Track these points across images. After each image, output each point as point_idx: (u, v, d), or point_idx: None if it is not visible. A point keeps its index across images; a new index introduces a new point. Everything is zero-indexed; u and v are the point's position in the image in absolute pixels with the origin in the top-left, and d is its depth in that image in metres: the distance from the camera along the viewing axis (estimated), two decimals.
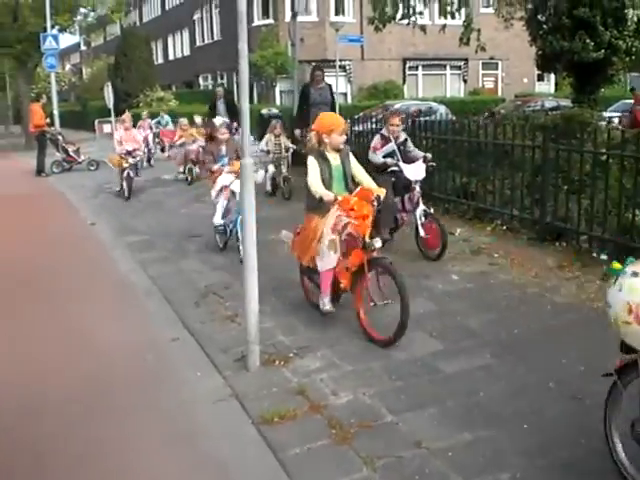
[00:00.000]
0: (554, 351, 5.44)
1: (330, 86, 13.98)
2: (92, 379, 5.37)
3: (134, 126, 17.09)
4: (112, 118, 25.31)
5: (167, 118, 24.31)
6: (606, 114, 20.01)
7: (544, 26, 15.68)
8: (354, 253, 5.89)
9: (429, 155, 8.65)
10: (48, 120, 21.54)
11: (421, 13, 18.03)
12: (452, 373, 5.10)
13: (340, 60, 31.12)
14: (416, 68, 41.06)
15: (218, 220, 9.13)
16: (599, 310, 6.36)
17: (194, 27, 48.69)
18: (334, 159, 6.14)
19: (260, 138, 14.98)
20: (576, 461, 3.90)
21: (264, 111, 21.71)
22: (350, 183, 6.18)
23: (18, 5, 30.23)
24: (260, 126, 18.42)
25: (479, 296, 6.87)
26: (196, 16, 47.99)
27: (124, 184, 14.29)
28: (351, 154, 6.31)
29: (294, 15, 18.25)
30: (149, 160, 20.68)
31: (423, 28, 17.99)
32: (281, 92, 37.30)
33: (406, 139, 8.86)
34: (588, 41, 14.41)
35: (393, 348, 5.58)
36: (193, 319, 6.63)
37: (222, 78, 42.54)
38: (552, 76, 39.68)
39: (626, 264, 3.61)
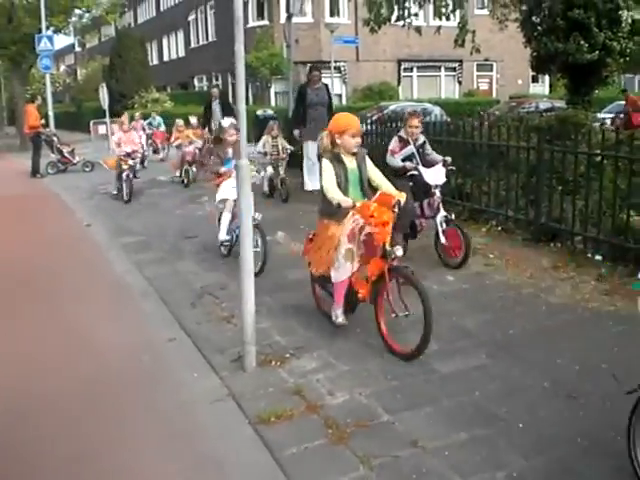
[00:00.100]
0: (549, 351, 5.47)
1: (327, 86, 13.94)
2: (89, 379, 5.38)
3: None
4: (107, 119, 25.35)
5: (159, 119, 24.32)
6: (600, 115, 20.09)
7: (538, 27, 15.74)
8: (373, 262, 5.60)
9: (449, 158, 8.16)
10: (43, 121, 21.53)
11: (416, 15, 18.09)
12: (448, 373, 5.12)
13: (335, 61, 31.24)
14: (411, 69, 41.17)
15: (223, 236, 8.74)
16: (593, 310, 6.43)
17: (189, 28, 48.72)
18: (350, 162, 5.79)
19: (256, 139, 14.95)
20: (572, 459, 3.93)
21: (259, 112, 21.75)
22: (366, 187, 5.87)
23: (13, 6, 30.23)
24: (255, 127, 18.44)
25: (474, 297, 6.90)
26: (191, 17, 48.01)
27: (124, 186, 14.06)
28: (367, 157, 5.96)
29: (289, 16, 18.27)
30: (142, 162, 20.66)
31: (418, 30, 18.05)
32: (276, 93, 37.37)
33: (425, 141, 8.45)
34: (582, 42, 14.46)
35: (387, 349, 5.59)
36: (189, 320, 6.64)
37: (217, 79, 42.61)
38: (546, 77, 39.88)
39: None
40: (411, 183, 7.98)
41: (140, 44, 39.26)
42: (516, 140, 9.21)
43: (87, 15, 34.16)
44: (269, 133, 13.55)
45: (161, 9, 53.91)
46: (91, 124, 27.58)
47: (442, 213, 7.93)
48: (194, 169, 16.21)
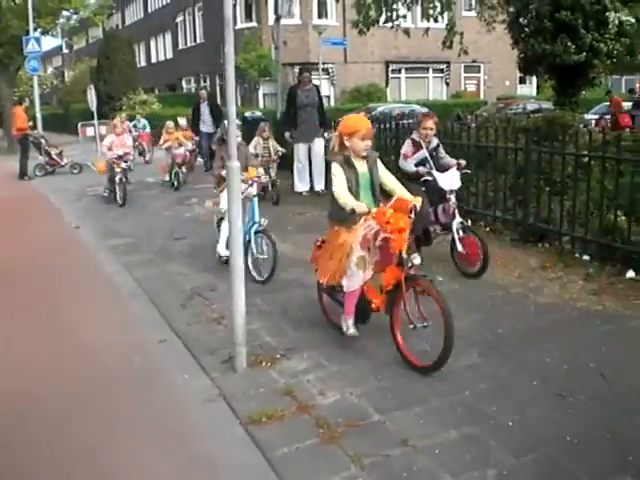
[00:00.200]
0: (538, 350, 5.51)
1: (317, 87, 13.96)
2: (81, 381, 5.38)
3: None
4: (95, 121, 25.26)
5: (144, 121, 24.26)
6: (587, 116, 20.23)
7: (526, 29, 15.85)
8: (389, 270, 5.36)
9: (463, 161, 7.81)
10: (31, 123, 21.45)
11: (404, 17, 18.14)
12: (438, 372, 5.13)
13: (323, 63, 31.29)
14: (399, 71, 41.31)
15: (223, 251, 8.24)
16: (582, 310, 6.47)
17: (177, 30, 48.71)
18: (361, 165, 5.50)
19: (245, 141, 14.89)
20: (561, 458, 3.96)
21: (247, 114, 21.72)
22: (378, 192, 5.60)
23: (0, 8, 30.08)
24: (244, 129, 18.43)
25: (464, 297, 6.92)
26: (179, 19, 47.99)
27: (117, 189, 13.74)
28: (379, 160, 5.68)
29: (277, 18, 18.27)
30: None
31: (407, 32, 18.10)
32: (264, 95, 37.38)
33: (438, 144, 8.06)
34: (569, 44, 14.57)
35: (379, 349, 5.61)
36: (179, 321, 6.64)
37: (205, 81, 42.62)
38: (534, 79, 40.10)
39: None
40: (424, 188, 7.53)
41: (128, 46, 39.11)
42: (504, 141, 9.26)
43: (75, 17, 34.04)
44: (260, 135, 13.40)
45: (149, 10, 53.85)
46: (79, 126, 27.42)
47: (458, 219, 7.57)
48: (184, 170, 16.09)
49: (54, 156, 20.11)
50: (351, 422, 4.44)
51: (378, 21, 17.44)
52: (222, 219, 8.41)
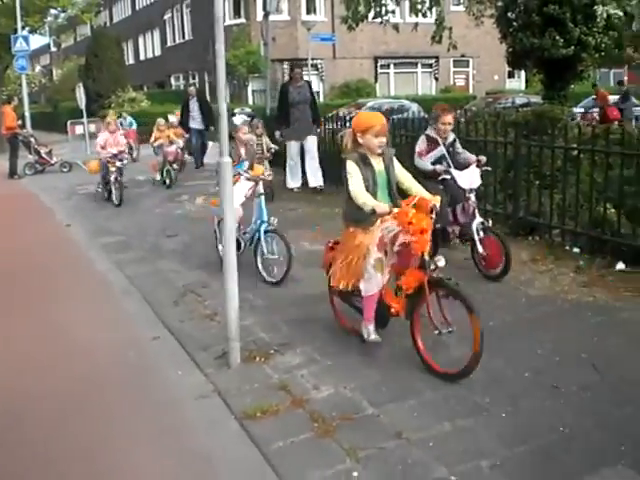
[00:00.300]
0: (530, 342, 5.54)
1: (309, 83, 13.89)
2: (74, 379, 5.39)
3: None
4: (84, 119, 25.20)
5: (130, 119, 24.23)
6: (575, 110, 20.30)
7: (514, 23, 15.89)
8: (410, 273, 5.10)
9: (483, 158, 7.38)
10: (20, 122, 21.38)
11: (393, 12, 18.16)
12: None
13: (312, 59, 31.33)
14: (388, 66, 41.33)
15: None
16: (572, 302, 6.52)
17: (165, 27, 48.60)
18: (377, 163, 5.28)
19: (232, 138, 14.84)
20: (554, 448, 4.00)
21: (237, 110, 21.75)
22: (395, 191, 5.36)
23: None
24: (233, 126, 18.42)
25: None
26: (167, 16, 47.87)
27: (112, 189, 13.42)
28: (394, 158, 5.45)
29: (266, 14, 18.28)
30: None
31: (396, 27, 18.14)
32: (253, 91, 37.34)
33: (455, 139, 7.70)
34: (558, 38, 14.61)
35: (373, 343, 5.62)
36: (172, 318, 6.65)
37: (193, 78, 42.54)
38: (522, 73, 40.14)
39: None
40: (441, 187, 7.23)
41: (116, 43, 39.01)
42: (493, 135, 9.30)
43: (63, 15, 33.92)
44: (253, 132, 13.36)
45: (137, 8, 53.69)
46: (68, 124, 27.36)
47: (478, 220, 7.19)
48: (175, 167, 15.97)
49: (44, 155, 20.05)
50: (345, 416, 4.47)
51: (367, 16, 17.44)
52: (221, 220, 8.13)
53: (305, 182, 13.53)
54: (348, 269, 5.38)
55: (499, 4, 16.74)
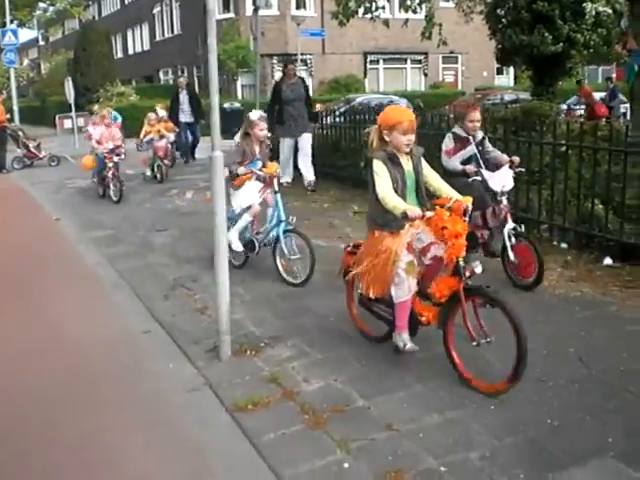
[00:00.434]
0: None
1: (303, 80, 13.75)
2: (65, 373, 5.40)
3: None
4: (73, 113, 25.09)
5: (114, 113, 24.11)
6: (563, 106, 20.39)
7: (503, 20, 16.00)
8: (442, 280, 4.83)
9: (517, 158, 6.92)
10: (8, 116, 21.28)
11: (383, 8, 18.17)
12: (421, 358, 5.17)
13: (301, 54, 31.29)
14: (377, 62, 41.37)
15: (236, 243, 7.59)
16: (560, 296, 6.58)
17: (154, 21, 48.42)
18: (406, 163, 4.97)
19: (222, 132, 14.78)
20: (543, 440, 4.05)
21: (226, 105, 21.74)
22: (424, 193, 5.05)
23: None
24: (222, 120, 18.37)
25: None
26: (156, 10, 47.70)
27: (110, 185, 13.02)
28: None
29: (256, 9, 18.25)
30: None
31: (386, 22, 18.14)
32: (242, 86, 37.30)
33: (484, 137, 7.19)
34: (547, 35, 14.72)
35: (361, 336, 5.68)
36: (163, 312, 6.67)
37: (183, 72, 42.33)
38: (511, 69, 40.33)
39: None
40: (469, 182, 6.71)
41: (105, 37, 38.82)
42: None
43: (51, 8, 33.80)
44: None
45: (126, 2, 53.42)
46: (57, 118, 27.23)
47: (510, 225, 6.69)
48: (167, 162, 15.75)
49: (32, 149, 19.95)
50: (336, 408, 4.51)
51: (357, 12, 17.46)
52: (229, 220, 7.34)
53: (295, 178, 13.49)
54: (374, 275, 5.06)
55: (488, 1, 16.82)
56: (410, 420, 4.32)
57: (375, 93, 33.70)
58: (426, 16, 17.69)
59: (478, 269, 4.68)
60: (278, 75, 30.23)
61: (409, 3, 17.91)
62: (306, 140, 13.04)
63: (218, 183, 5.28)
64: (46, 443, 4.35)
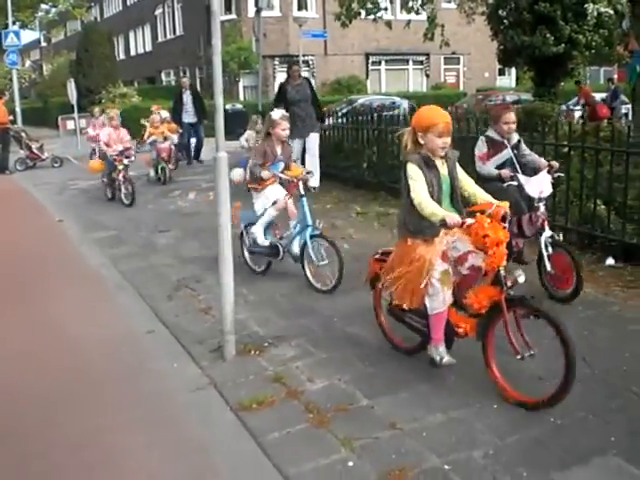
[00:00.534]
0: None
1: (308, 80, 13.67)
2: (69, 373, 5.42)
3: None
4: (75, 114, 25.14)
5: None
6: (563, 107, 20.40)
7: (505, 21, 16.01)
8: (482, 291, 4.62)
9: (555, 163, 6.63)
10: (11, 117, 21.32)
11: (385, 9, 18.20)
12: (423, 358, 5.20)
13: (303, 55, 31.32)
14: (379, 63, 41.41)
15: (261, 237, 7.43)
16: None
17: (156, 22, 48.51)
18: (442, 167, 4.75)
19: (226, 133, 14.73)
20: (546, 438, 4.07)
21: (228, 106, 21.73)
22: (459, 199, 4.84)
23: None
24: (224, 122, 18.35)
25: None
26: (158, 11, 47.78)
27: (122, 188, 12.75)
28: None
29: (258, 10, 18.31)
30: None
31: (389, 24, 18.16)
32: (244, 87, 37.34)
33: (519, 140, 6.83)
34: (548, 35, 14.73)
35: (366, 336, 5.71)
36: (167, 312, 6.69)
37: (185, 73, 42.37)
38: (513, 70, 40.32)
39: None
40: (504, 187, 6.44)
41: (107, 39, 38.93)
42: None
43: (54, 10, 33.85)
44: (253, 128, 13.10)
45: (128, 3, 53.53)
46: (59, 120, 27.28)
47: (547, 233, 6.34)
48: (171, 166, 15.56)
49: (35, 150, 20.00)
50: (340, 407, 4.53)
51: (360, 13, 17.47)
52: (249, 225, 7.67)
53: None
54: (407, 285, 4.81)
55: (490, 1, 16.85)
56: (413, 419, 4.34)
57: (377, 94, 33.75)
58: (429, 17, 17.72)
59: (521, 278, 4.46)
60: (280, 76, 30.32)
61: (411, 5, 17.93)
62: (314, 141, 12.95)
63: (222, 184, 5.30)
64: (48, 443, 4.37)
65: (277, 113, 7.49)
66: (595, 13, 14.65)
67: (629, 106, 20.42)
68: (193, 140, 18.58)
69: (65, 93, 27.24)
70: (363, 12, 17.37)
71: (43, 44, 67.68)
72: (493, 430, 4.17)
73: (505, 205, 4.55)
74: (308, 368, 5.20)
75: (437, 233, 4.65)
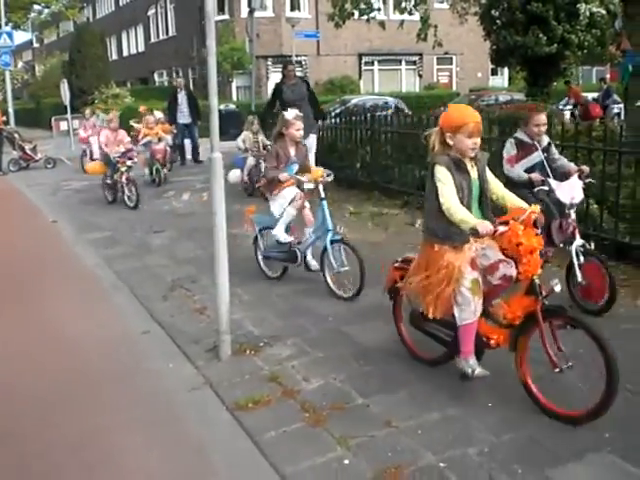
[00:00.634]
0: None
1: (305, 80, 13.64)
2: (65, 374, 5.42)
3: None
4: (69, 115, 25.11)
5: (103, 116, 24.08)
6: (554, 107, 20.46)
7: (498, 21, 16.07)
8: (514, 300, 4.45)
9: (586, 168, 6.31)
10: (4, 118, 21.28)
11: (379, 9, 18.22)
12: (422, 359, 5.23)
13: (296, 55, 31.33)
14: (372, 63, 41.41)
15: (283, 236, 7.18)
16: (556, 295, 6.58)
17: (149, 23, 48.46)
18: (472, 169, 4.51)
19: (220, 134, 14.69)
20: (541, 436, 4.10)
21: (221, 107, 21.69)
22: (489, 204, 4.59)
23: None
24: (218, 122, 18.31)
25: None
26: (151, 12, 47.73)
27: (126, 190, 12.52)
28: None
29: (251, 11, 18.31)
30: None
31: (382, 24, 18.19)
32: (237, 88, 37.32)
33: (549, 143, 6.55)
34: (541, 35, 14.79)
35: (361, 335, 5.74)
36: (162, 312, 6.70)
37: (178, 74, 42.36)
38: (506, 70, 40.43)
39: None
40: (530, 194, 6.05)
41: (100, 39, 38.89)
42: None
43: (46, 11, 33.82)
44: (249, 129, 13.10)
45: (120, 4, 53.46)
46: (52, 121, 27.23)
47: (579, 241, 6.04)
48: (166, 170, 15.37)
49: (28, 151, 19.97)
50: (336, 405, 4.56)
51: (354, 14, 17.49)
52: (264, 229, 7.54)
53: None
54: (433, 293, 4.59)
55: (483, 2, 16.90)
56: (409, 417, 4.37)
57: (370, 94, 33.77)
58: (421, 18, 17.75)
59: (557, 287, 4.26)
60: (273, 77, 30.31)
61: (404, 5, 17.97)
62: (312, 141, 12.86)
63: (217, 184, 5.31)
64: (46, 443, 4.38)
65: (291, 113, 7.25)
66: (587, 13, 14.73)
67: (621, 105, 20.50)
68: (187, 141, 18.53)
69: (58, 94, 27.21)
70: (356, 12, 17.40)
71: (35, 45, 67.56)
72: (489, 428, 4.20)
73: (537, 209, 4.33)
74: (304, 367, 5.22)
75: (466, 240, 4.45)
